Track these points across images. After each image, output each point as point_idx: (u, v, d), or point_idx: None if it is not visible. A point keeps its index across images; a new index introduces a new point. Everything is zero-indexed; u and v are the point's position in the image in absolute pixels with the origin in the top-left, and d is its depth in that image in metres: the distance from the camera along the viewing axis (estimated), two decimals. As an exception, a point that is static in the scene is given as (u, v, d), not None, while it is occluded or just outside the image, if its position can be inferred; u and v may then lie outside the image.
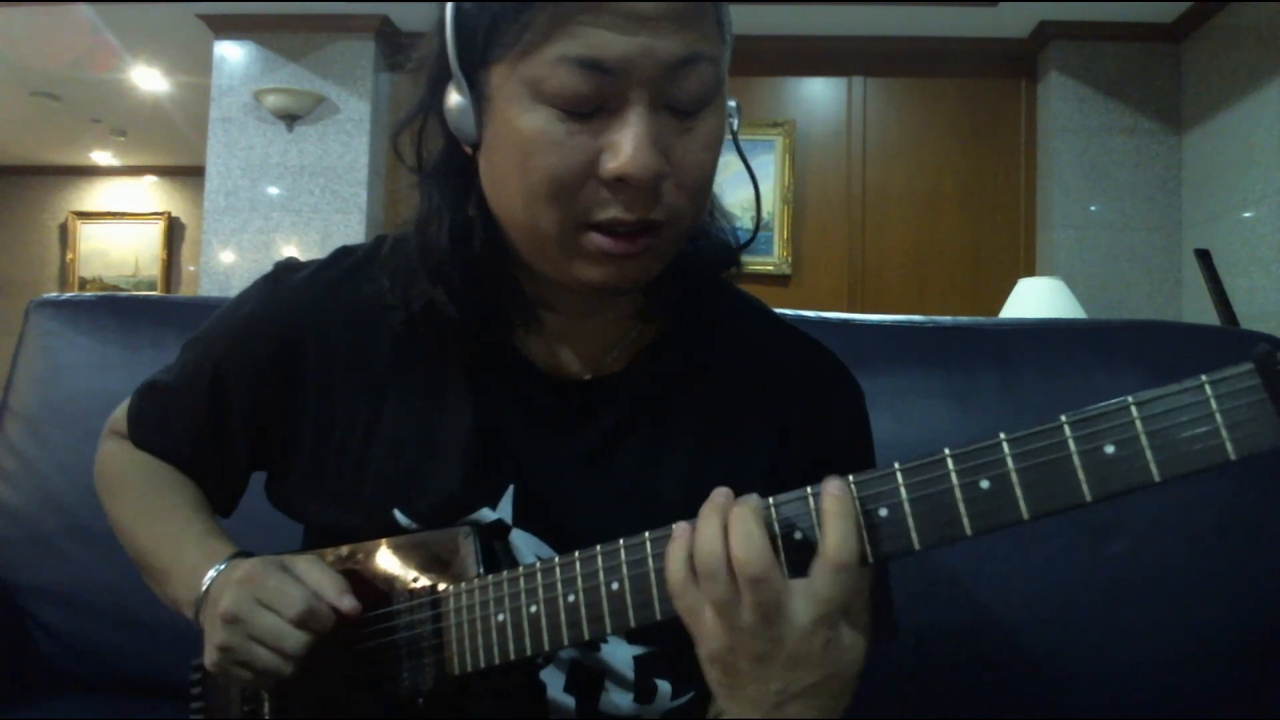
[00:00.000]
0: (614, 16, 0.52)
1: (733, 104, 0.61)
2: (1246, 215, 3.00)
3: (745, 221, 0.68)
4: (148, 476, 0.76)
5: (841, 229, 3.62)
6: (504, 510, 0.65)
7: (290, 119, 3.59)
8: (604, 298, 0.64)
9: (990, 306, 3.28)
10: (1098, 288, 3.35)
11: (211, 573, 0.65)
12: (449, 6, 0.57)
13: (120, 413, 0.80)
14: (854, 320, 1.16)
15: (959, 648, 0.99)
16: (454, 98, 0.59)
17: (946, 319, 1.16)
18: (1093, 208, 3.43)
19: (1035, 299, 2.75)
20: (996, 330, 1.13)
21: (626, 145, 0.53)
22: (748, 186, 0.67)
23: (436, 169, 0.64)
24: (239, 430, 0.72)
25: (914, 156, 3.64)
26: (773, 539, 0.50)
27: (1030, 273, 3.48)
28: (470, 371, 0.67)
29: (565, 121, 0.54)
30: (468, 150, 0.61)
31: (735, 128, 0.62)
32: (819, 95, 3.68)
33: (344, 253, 0.73)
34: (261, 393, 0.70)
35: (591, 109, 0.54)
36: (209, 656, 0.62)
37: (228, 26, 3.65)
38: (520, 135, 0.55)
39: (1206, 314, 2.72)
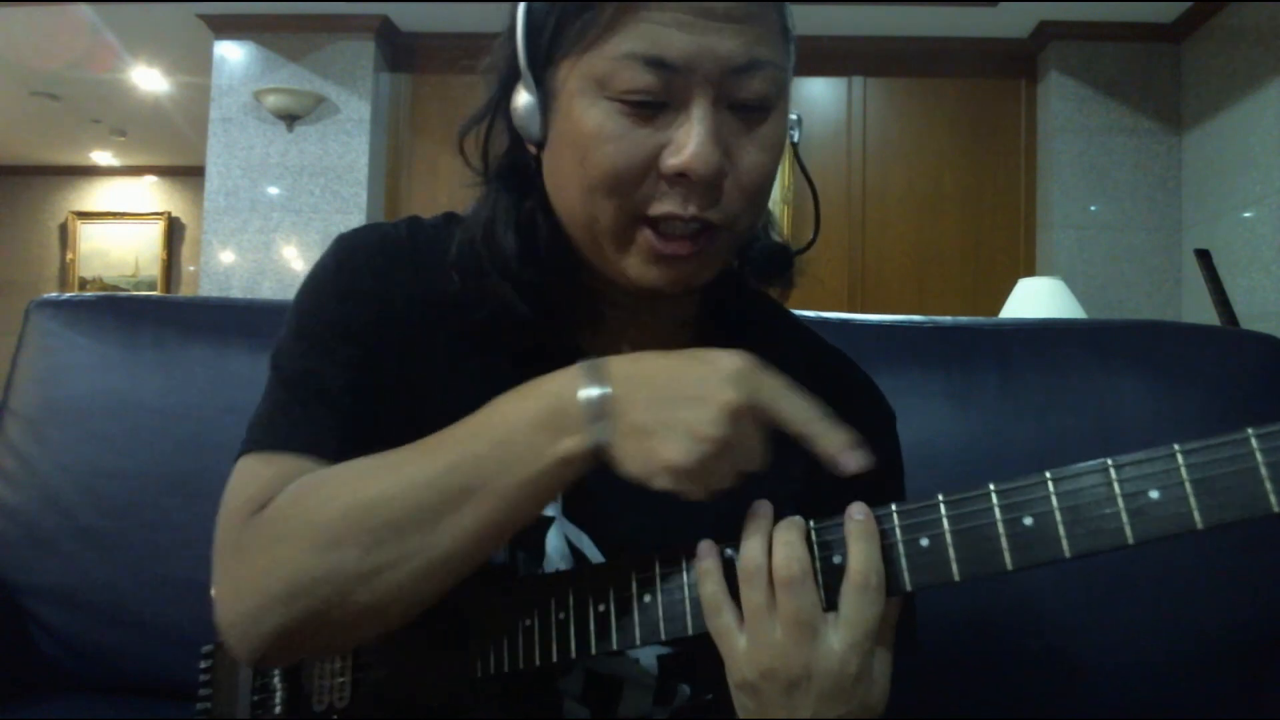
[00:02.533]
0: (678, 14, 0.53)
1: (794, 116, 0.62)
2: (1246, 215, 3.00)
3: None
4: (364, 460, 0.58)
5: (841, 229, 3.62)
6: (555, 501, 0.65)
7: (290, 119, 3.59)
8: (658, 299, 0.63)
9: (990, 306, 3.28)
10: (1098, 288, 3.36)
11: (590, 391, 0.52)
12: (520, 7, 0.58)
13: (251, 486, 0.59)
14: (854, 320, 1.16)
15: (958, 647, 0.99)
16: (522, 97, 0.60)
17: (946, 319, 1.16)
18: (1093, 208, 3.43)
19: (1035, 299, 2.74)
20: (996, 330, 1.13)
21: (690, 141, 0.54)
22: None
23: (502, 170, 0.64)
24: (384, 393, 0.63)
25: (914, 156, 3.65)
26: (811, 560, 0.51)
27: (1030, 273, 3.48)
28: (528, 366, 0.66)
29: (628, 116, 0.55)
30: (532, 149, 0.62)
31: (796, 139, 0.63)
32: (819, 95, 3.69)
33: (416, 229, 0.68)
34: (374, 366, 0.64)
35: (655, 105, 0.55)
36: (677, 454, 0.50)
37: (228, 26, 3.65)
38: (583, 130, 0.56)
39: (1206, 314, 2.72)
